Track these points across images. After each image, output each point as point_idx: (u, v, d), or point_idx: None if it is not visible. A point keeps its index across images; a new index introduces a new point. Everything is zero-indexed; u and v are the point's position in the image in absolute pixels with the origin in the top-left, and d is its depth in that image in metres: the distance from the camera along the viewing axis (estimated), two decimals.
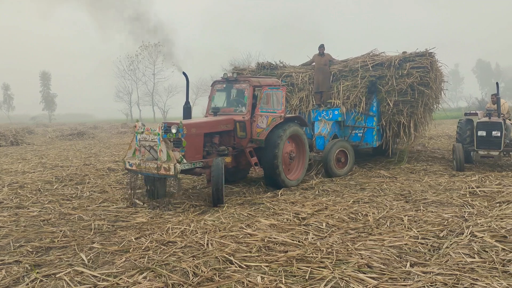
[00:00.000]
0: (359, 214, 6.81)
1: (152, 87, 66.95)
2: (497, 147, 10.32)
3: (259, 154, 9.27)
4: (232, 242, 5.55)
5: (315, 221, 6.42)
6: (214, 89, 10.02)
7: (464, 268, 4.45)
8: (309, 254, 4.99)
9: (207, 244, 5.51)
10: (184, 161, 7.66)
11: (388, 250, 5.07)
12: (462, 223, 6.03)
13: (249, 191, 9.00)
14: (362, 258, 4.80)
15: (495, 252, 4.85)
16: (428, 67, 11.04)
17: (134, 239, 5.89)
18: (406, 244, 5.26)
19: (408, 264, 4.64)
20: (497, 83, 11.86)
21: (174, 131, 7.62)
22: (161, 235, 6.01)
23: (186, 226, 6.40)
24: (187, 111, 9.72)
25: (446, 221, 6.16)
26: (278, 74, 12.73)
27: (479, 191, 8.03)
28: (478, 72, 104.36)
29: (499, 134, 10.30)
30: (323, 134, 11.11)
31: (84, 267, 4.88)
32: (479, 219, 6.12)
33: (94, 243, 5.81)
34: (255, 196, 8.54)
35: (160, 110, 66.81)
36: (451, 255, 4.80)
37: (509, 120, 11.37)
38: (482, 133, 10.46)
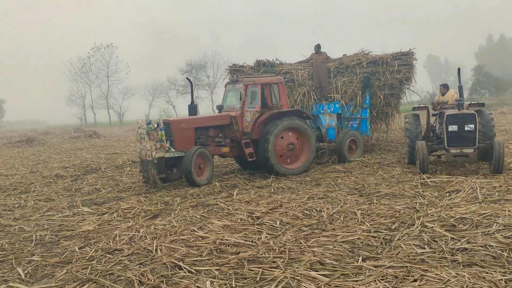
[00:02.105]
0: (313, 210, 6.74)
1: (106, 89, 65.12)
2: (471, 143, 8.73)
3: (255, 146, 10.39)
4: (182, 246, 5.33)
5: (269, 220, 6.30)
6: (226, 89, 11.48)
7: (414, 259, 4.44)
8: (261, 255, 4.85)
9: (156, 250, 5.27)
10: (172, 149, 9.62)
11: (341, 245, 5.00)
12: (413, 214, 6.07)
13: (203, 192, 8.77)
14: (315, 256, 4.70)
15: (445, 241, 4.88)
16: (412, 64, 12.87)
17: (78, 249, 5.58)
18: (358, 238, 5.21)
19: (360, 258, 4.58)
20: (458, 69, 10.19)
21: (151, 125, 9.38)
22: (107, 243, 5.71)
23: (135, 232, 6.12)
24: (192, 109, 11.00)
25: (398, 213, 6.18)
26: (277, 71, 13.12)
27: (430, 181, 8.15)
28: (429, 67, 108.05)
29: (473, 128, 8.70)
30: (333, 126, 12.28)
31: (20, 283, 4.54)
32: (430, 210, 6.17)
33: (34, 255, 5.45)
34: (209, 197, 8.34)
35: (116, 113, 65.02)
36: (402, 247, 4.79)
37: None
38: (453, 127, 8.81)
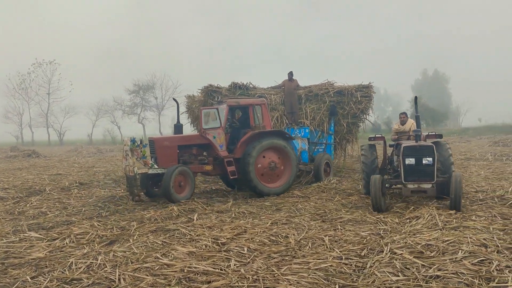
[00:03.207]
0: (279, 236, 6.63)
1: (46, 107, 62.17)
2: (429, 178, 8.08)
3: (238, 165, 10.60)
4: (147, 275, 5.01)
5: (235, 246, 6.10)
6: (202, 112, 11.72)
7: (391, 287, 4.42)
8: (234, 283, 4.65)
9: (119, 279, 4.92)
10: (155, 166, 10.04)
11: (315, 273, 4.90)
12: (380, 240, 6.12)
13: (160, 217, 8.41)
14: (291, 284, 4.57)
15: (416, 268, 4.91)
16: (372, 96, 13.91)
17: (30, 278, 5.09)
18: (331, 265, 5.14)
19: (337, 286, 4.50)
20: (415, 98, 9.58)
21: (133, 143, 9.76)
22: (62, 272, 5.27)
23: (92, 259, 5.70)
24: (177, 128, 11.58)
25: (365, 239, 6.20)
26: (252, 95, 13.54)
27: (390, 206, 8.31)
28: None
29: (431, 161, 8.05)
30: (306, 149, 13.02)
31: None
32: (395, 236, 6.25)
33: None
34: (168, 222, 8.00)
35: (56, 132, 62.03)
36: (376, 275, 4.77)
37: None
38: (410, 160, 8.14)
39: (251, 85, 14.01)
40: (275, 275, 4.85)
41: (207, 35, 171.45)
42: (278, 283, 4.62)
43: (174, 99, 13.05)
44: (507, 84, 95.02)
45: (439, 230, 6.40)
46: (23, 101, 62.07)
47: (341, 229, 6.86)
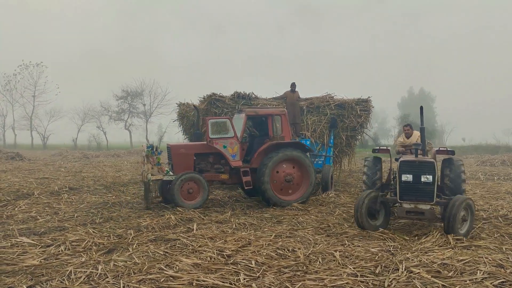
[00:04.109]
0: (286, 249, 6.36)
1: (31, 110, 60.95)
2: (428, 198, 7.20)
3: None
4: None
5: (242, 259, 5.82)
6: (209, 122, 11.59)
7: None
8: None
9: None
10: (170, 173, 10.07)
11: None
12: (392, 257, 5.90)
13: (158, 225, 8.08)
14: None
15: None
16: (370, 110, 14.00)
17: (27, 287, 4.73)
18: (347, 283, 4.90)
19: None
20: (421, 108, 8.31)
21: (150, 149, 9.98)
22: (61, 281, 4.93)
23: (92, 269, 5.37)
24: (196, 136, 11.75)
25: (376, 256, 5.98)
26: (254, 105, 13.46)
27: (395, 222, 8.13)
28: None
29: (430, 180, 7.18)
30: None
31: None
32: (406, 253, 6.05)
33: None
34: (167, 231, 7.68)
35: (39, 136, 60.73)
36: None
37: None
38: (407, 177, 7.29)
39: (253, 95, 13.86)
40: None
41: (198, 44, 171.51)
42: None
43: (194, 106, 13.32)
44: (486, 105, 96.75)
45: (451, 249, 6.23)
46: (7, 102, 60.87)
47: (349, 245, 6.63)
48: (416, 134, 9.26)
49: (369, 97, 14.33)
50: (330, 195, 11.64)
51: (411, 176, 7.29)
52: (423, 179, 7.23)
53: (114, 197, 11.68)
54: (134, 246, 6.57)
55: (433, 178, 7.18)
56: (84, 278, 5.03)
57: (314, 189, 11.26)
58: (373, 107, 14.28)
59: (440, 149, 8.32)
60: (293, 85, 13.77)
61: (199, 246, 6.52)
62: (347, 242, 6.79)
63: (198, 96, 14.67)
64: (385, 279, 5.05)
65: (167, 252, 6.25)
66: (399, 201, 7.42)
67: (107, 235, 7.27)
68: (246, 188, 10.47)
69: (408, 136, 9.37)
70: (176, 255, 6.06)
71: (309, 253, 6.13)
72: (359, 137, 14.54)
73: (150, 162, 9.99)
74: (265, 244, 6.61)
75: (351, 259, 5.86)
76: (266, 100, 14.08)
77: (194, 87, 75.58)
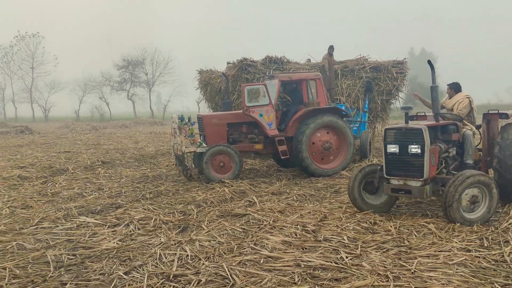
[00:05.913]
0: (368, 222, 5.99)
1: (30, 82, 59.72)
2: (417, 173, 5.99)
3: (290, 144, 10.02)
4: (260, 271, 4.35)
5: (331, 235, 5.45)
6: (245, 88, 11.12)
7: None
8: (373, 283, 4.00)
9: (231, 276, 4.23)
10: (204, 145, 9.66)
11: (457, 269, 4.29)
12: (492, 228, 5.56)
13: (215, 199, 7.71)
14: (443, 284, 3.96)
15: None
16: (406, 73, 13.47)
17: (123, 274, 4.37)
18: (466, 259, 4.53)
19: (496, 285, 3.92)
20: (429, 62, 6.43)
21: (181, 120, 9.63)
22: (156, 266, 4.57)
23: (180, 250, 5.00)
24: (226, 105, 11.31)
25: (474, 227, 5.62)
26: (287, 69, 12.92)
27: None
28: None
29: (419, 151, 5.93)
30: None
31: None
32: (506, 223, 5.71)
33: (65, 284, 4.17)
34: (228, 205, 7.32)
35: (41, 108, 59.76)
36: None
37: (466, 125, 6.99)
38: (393, 148, 6.16)
39: (285, 59, 13.31)
40: (413, 271, 4.23)
41: (201, 10, 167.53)
42: (426, 282, 4.00)
43: (223, 74, 12.81)
44: (489, 65, 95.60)
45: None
46: (5, 75, 59.58)
47: (433, 216, 6.26)
48: (460, 95, 7.26)
49: (404, 58, 13.81)
50: (373, 162, 11.28)
51: (397, 146, 6.12)
52: (411, 150, 6.00)
53: (149, 170, 11.30)
54: (206, 223, 6.21)
55: (422, 148, 5.91)
56: (178, 262, 4.67)
57: (354, 155, 10.89)
58: (409, 69, 13.71)
59: (490, 112, 6.99)
60: (331, 48, 13.10)
61: (274, 221, 6.16)
62: (428, 213, 6.42)
63: (226, 61, 14.10)
64: (501, 253, 4.70)
65: (244, 228, 5.89)
66: (385, 176, 6.27)
67: (170, 212, 6.90)
68: (282, 157, 9.99)
69: (451, 96, 7.49)
70: (257, 232, 5.70)
71: (398, 226, 5.77)
72: (394, 101, 14.03)
73: (183, 133, 9.66)
74: (343, 218, 6.25)
75: (448, 231, 5.50)
76: (299, 64, 13.58)
77: (198, 54, 73.82)
